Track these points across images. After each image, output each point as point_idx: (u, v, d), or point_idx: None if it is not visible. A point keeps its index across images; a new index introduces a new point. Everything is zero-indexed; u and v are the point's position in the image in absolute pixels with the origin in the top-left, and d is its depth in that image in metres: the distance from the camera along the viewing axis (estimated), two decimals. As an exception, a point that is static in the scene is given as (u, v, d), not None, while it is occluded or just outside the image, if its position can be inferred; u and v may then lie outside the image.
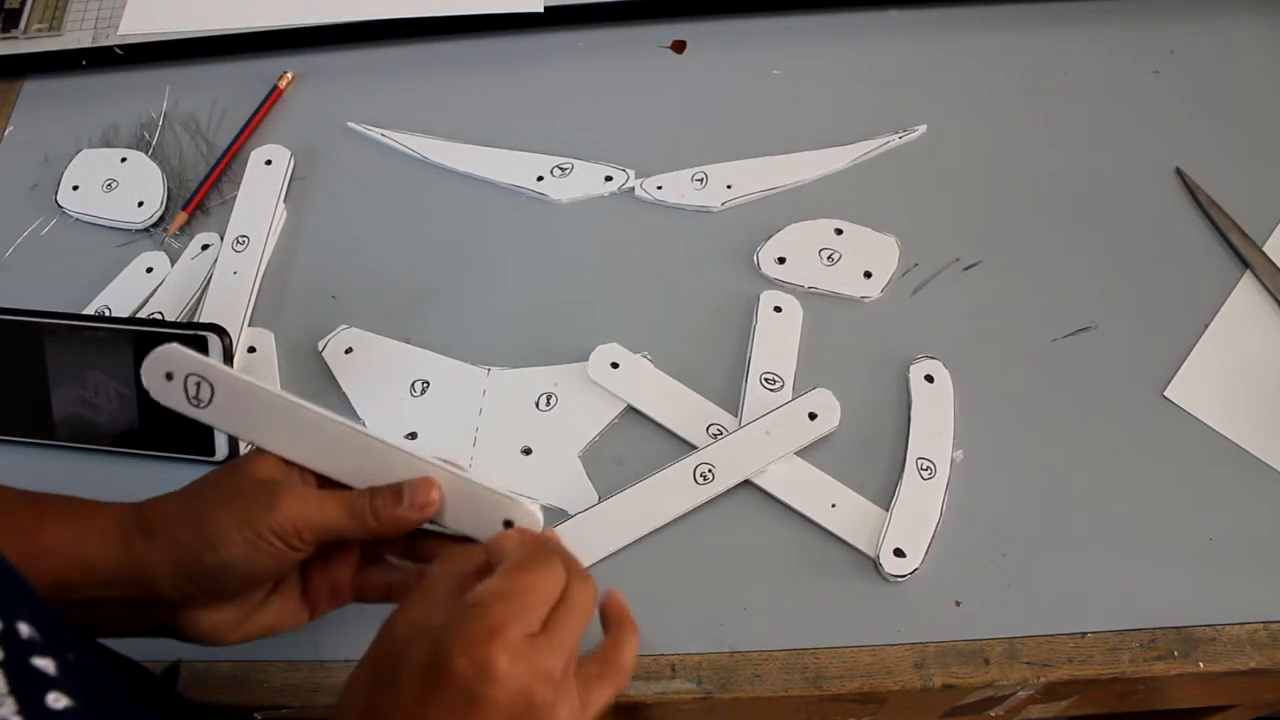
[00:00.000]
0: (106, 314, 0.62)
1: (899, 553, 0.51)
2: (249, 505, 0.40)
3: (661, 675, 0.50)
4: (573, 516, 0.53)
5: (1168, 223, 0.63)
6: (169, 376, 0.44)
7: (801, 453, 0.55)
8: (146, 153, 0.69)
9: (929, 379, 0.57)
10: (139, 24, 0.74)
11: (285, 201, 0.67)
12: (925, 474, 0.54)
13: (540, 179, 0.67)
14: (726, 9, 0.74)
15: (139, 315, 0.62)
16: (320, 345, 0.61)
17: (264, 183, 0.67)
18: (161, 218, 0.67)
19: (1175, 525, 0.53)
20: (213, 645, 0.43)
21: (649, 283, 0.62)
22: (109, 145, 0.70)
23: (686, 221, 0.65)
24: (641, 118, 0.70)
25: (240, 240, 0.64)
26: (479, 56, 0.74)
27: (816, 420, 0.55)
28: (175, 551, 0.40)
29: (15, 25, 0.74)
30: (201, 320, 0.61)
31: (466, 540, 0.43)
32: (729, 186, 0.66)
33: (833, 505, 0.53)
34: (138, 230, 0.66)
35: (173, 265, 0.64)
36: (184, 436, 0.56)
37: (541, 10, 0.73)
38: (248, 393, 0.44)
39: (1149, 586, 0.51)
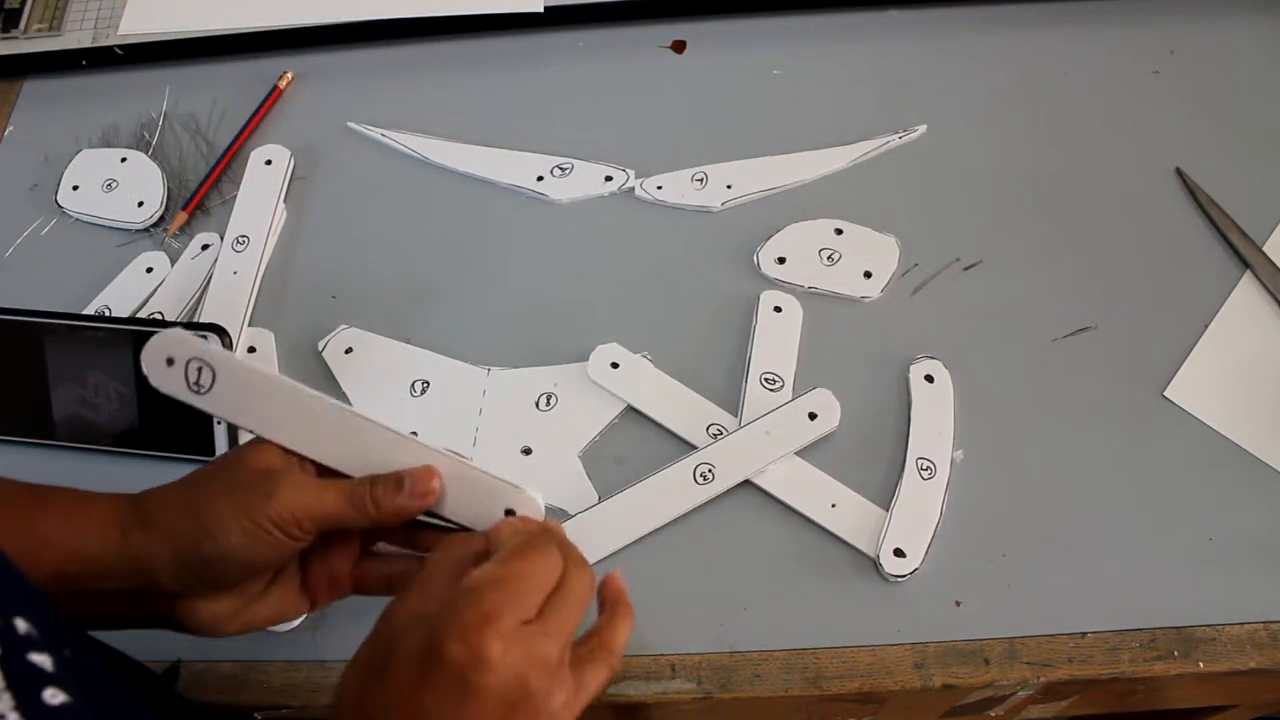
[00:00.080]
0: (106, 314, 0.62)
1: (899, 553, 0.51)
2: (248, 495, 0.40)
3: (661, 675, 0.50)
4: (573, 516, 0.53)
5: (1168, 223, 0.63)
6: (170, 362, 0.43)
7: (801, 453, 0.55)
8: (146, 153, 0.69)
9: (929, 379, 0.57)
10: (139, 24, 0.74)
11: (285, 201, 0.67)
12: (925, 474, 0.54)
13: (540, 179, 0.67)
14: (726, 9, 0.74)
15: (139, 315, 0.62)
16: (320, 345, 0.61)
17: (264, 183, 0.67)
18: (161, 218, 0.67)
19: (1175, 525, 0.53)
20: (211, 635, 0.43)
21: (649, 283, 0.62)
22: (109, 145, 0.70)
23: (686, 221, 0.65)
24: (641, 118, 0.70)
25: (240, 240, 0.64)
26: (479, 56, 0.74)
27: (816, 420, 0.55)
28: (174, 542, 0.40)
29: (15, 25, 0.74)
30: (201, 320, 0.61)
31: (466, 530, 0.43)
32: (729, 186, 0.66)
33: (833, 505, 0.53)
34: (138, 230, 0.66)
35: (173, 265, 0.64)
36: (184, 436, 0.56)
37: (541, 10, 0.73)
38: (250, 378, 0.43)
39: (1149, 586, 0.51)
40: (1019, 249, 0.63)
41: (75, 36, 0.73)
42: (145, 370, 0.44)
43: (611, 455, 0.56)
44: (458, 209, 0.66)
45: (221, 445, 0.56)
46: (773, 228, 0.64)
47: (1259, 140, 0.66)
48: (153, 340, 0.43)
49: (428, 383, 0.59)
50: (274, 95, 0.72)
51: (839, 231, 0.63)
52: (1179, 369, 0.57)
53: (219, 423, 0.56)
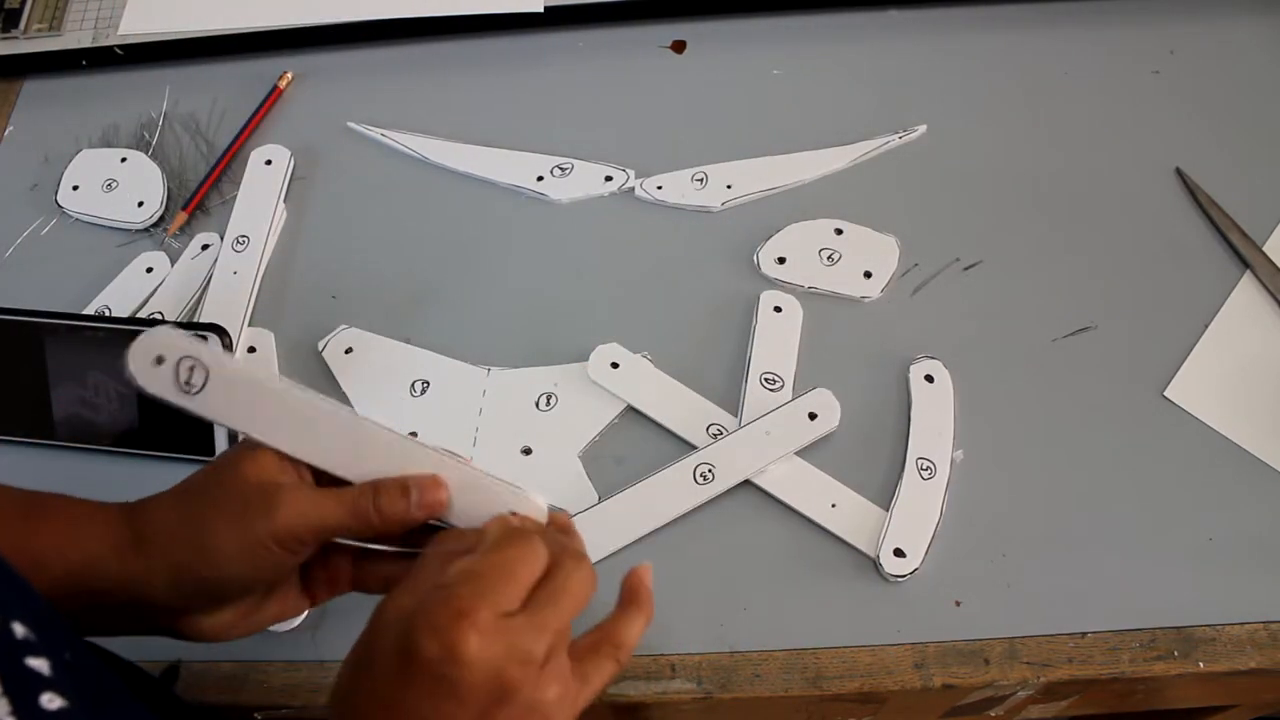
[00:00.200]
0: (106, 314, 0.62)
1: (899, 553, 0.51)
2: (246, 513, 0.39)
3: (661, 675, 0.50)
4: (573, 517, 0.53)
5: (1168, 223, 0.63)
6: (158, 361, 0.41)
7: (801, 453, 0.55)
8: (146, 153, 0.69)
9: (929, 379, 0.57)
10: (139, 24, 0.74)
11: (285, 201, 0.67)
12: (925, 474, 0.54)
13: (540, 179, 0.67)
14: (726, 9, 0.74)
15: (139, 315, 0.62)
16: (320, 345, 0.61)
17: (264, 183, 0.67)
18: (161, 218, 0.67)
19: (1175, 525, 0.53)
20: (213, 642, 0.42)
21: (649, 283, 0.62)
22: (109, 145, 0.70)
23: (686, 221, 0.65)
24: (641, 118, 0.70)
25: (240, 240, 0.64)
26: (479, 56, 0.74)
27: (816, 420, 0.55)
28: (172, 568, 0.39)
29: (15, 25, 0.74)
30: (201, 320, 0.61)
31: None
32: (729, 186, 0.66)
33: (833, 505, 0.53)
34: (138, 230, 0.66)
35: (173, 265, 0.64)
36: (184, 436, 0.56)
37: (541, 10, 0.73)
38: (243, 380, 0.41)
39: (1149, 586, 0.51)
40: (1019, 249, 0.63)
41: (75, 36, 0.73)
42: (131, 369, 0.41)
43: (611, 455, 0.56)
44: (458, 209, 0.66)
45: (222, 446, 0.56)
46: (773, 228, 0.64)
47: (1259, 140, 0.66)
48: (140, 338, 0.41)
49: (428, 383, 0.59)
50: (274, 95, 0.72)
51: (839, 231, 0.63)
52: (1179, 369, 0.57)
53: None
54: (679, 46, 0.74)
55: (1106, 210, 0.64)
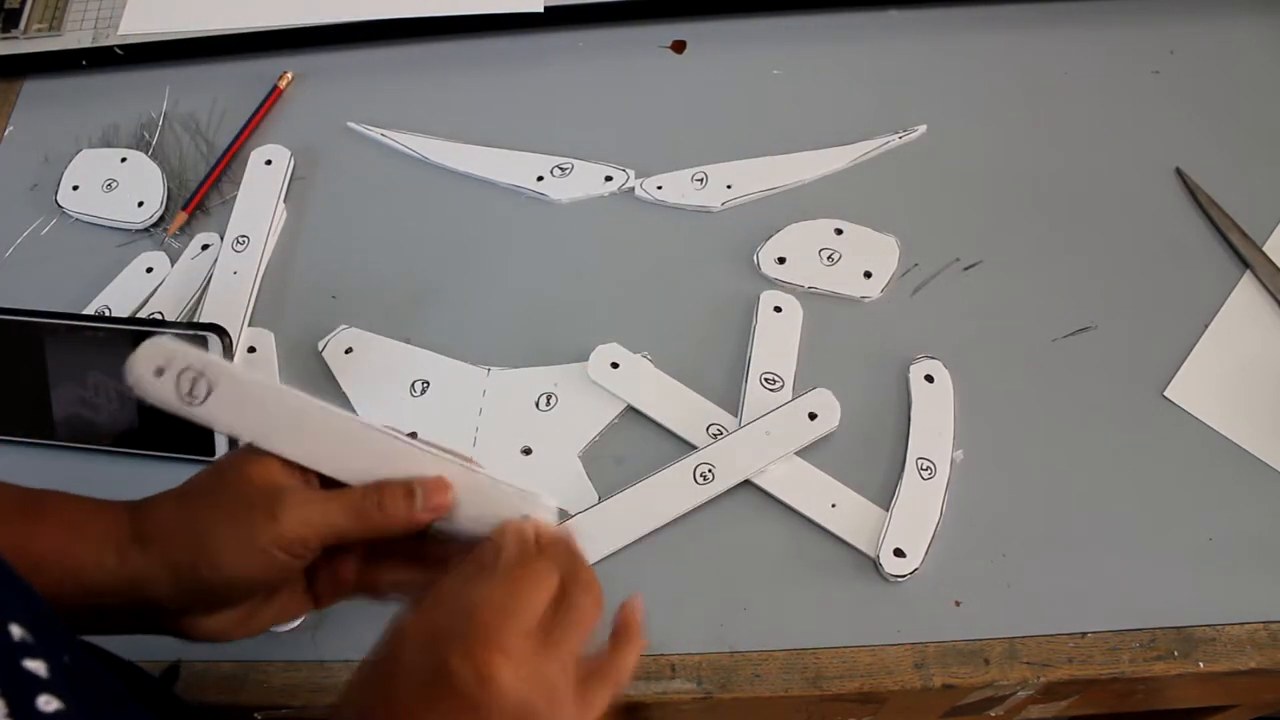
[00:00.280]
0: (106, 314, 0.62)
1: (899, 553, 0.51)
2: (250, 517, 0.39)
3: (661, 675, 0.50)
4: (573, 516, 0.53)
5: (1168, 223, 0.63)
6: (159, 372, 0.40)
7: (801, 453, 0.55)
8: (146, 153, 0.69)
9: (929, 379, 0.57)
10: (139, 24, 0.74)
11: (285, 201, 0.67)
12: (925, 474, 0.54)
13: (540, 179, 0.67)
14: (726, 9, 0.74)
15: (139, 315, 0.62)
16: (320, 345, 0.61)
17: (264, 183, 0.67)
18: (161, 218, 0.67)
19: (1175, 525, 0.53)
20: (215, 642, 0.42)
21: (649, 283, 0.62)
22: (109, 145, 0.70)
23: (686, 221, 0.65)
24: (641, 118, 0.70)
25: (240, 240, 0.64)
26: (479, 56, 0.74)
27: (816, 420, 0.55)
28: (174, 568, 0.39)
29: (15, 25, 0.74)
30: (201, 320, 0.61)
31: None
32: (729, 186, 0.66)
33: (833, 505, 0.53)
34: (138, 230, 0.66)
35: (173, 265, 0.64)
36: (184, 437, 0.56)
37: (541, 10, 0.73)
38: (246, 388, 0.41)
39: (1149, 586, 0.51)
40: (1019, 249, 0.63)
41: (75, 36, 0.73)
42: (131, 379, 0.40)
43: (611, 455, 0.56)
44: (458, 209, 0.66)
45: (222, 447, 0.56)
46: (773, 228, 0.64)
47: (1259, 140, 0.66)
48: (141, 349, 0.40)
49: (428, 383, 0.59)
50: (274, 95, 0.72)
51: (839, 231, 0.63)
52: (1179, 369, 0.57)
53: (219, 423, 0.55)
54: (679, 46, 0.74)
55: (1106, 210, 0.64)
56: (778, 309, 0.60)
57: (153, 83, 0.74)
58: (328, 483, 0.42)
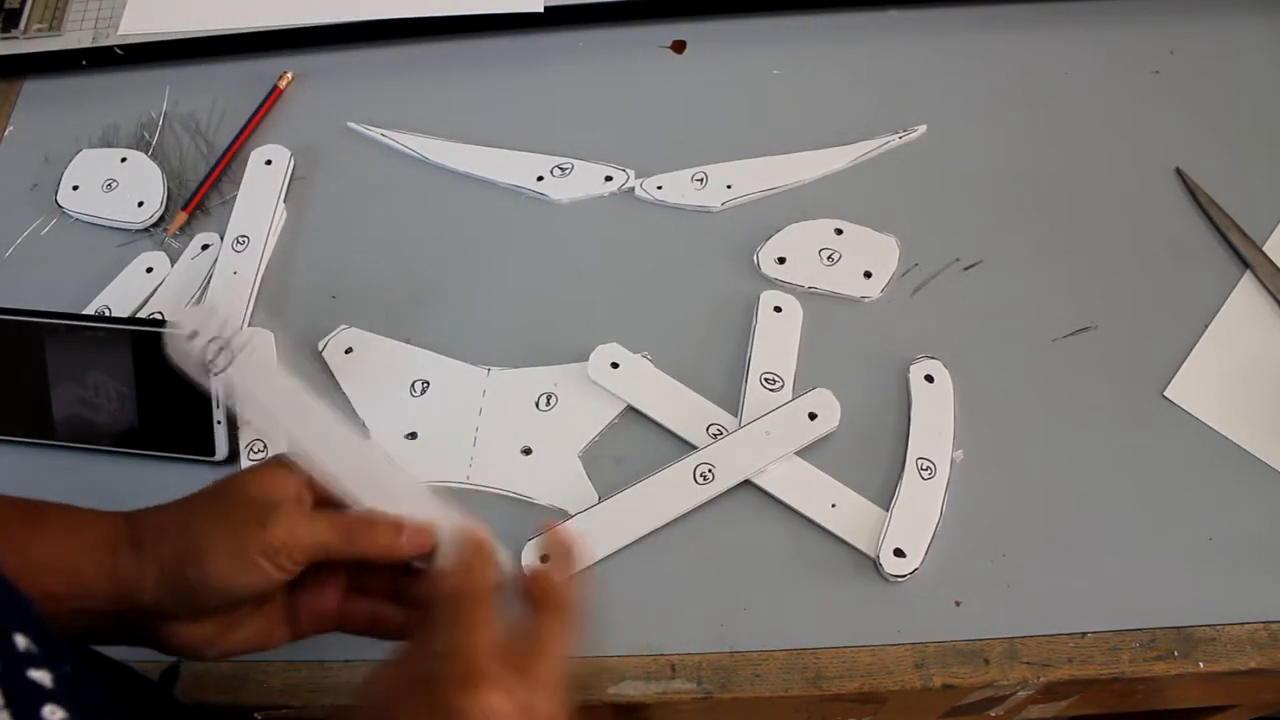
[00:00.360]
0: (106, 314, 0.62)
1: (899, 553, 0.51)
2: (240, 523, 0.40)
3: (661, 675, 0.50)
4: (573, 516, 0.53)
5: (1168, 223, 0.63)
6: (193, 335, 0.44)
7: (801, 453, 0.55)
8: (146, 153, 0.69)
9: (929, 379, 0.57)
10: (139, 24, 0.74)
11: (285, 201, 0.67)
12: (925, 474, 0.54)
13: (540, 179, 0.67)
14: (726, 9, 0.74)
15: (139, 315, 0.62)
16: (320, 345, 0.61)
17: (264, 183, 0.67)
18: (161, 218, 0.67)
19: (1175, 525, 0.53)
20: (192, 659, 0.42)
21: (649, 283, 0.62)
22: (109, 145, 0.70)
23: (686, 221, 0.65)
24: (641, 118, 0.70)
25: (240, 240, 0.64)
26: (479, 56, 0.74)
27: (816, 420, 0.55)
28: (162, 569, 0.40)
29: (15, 25, 0.74)
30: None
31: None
32: (729, 186, 0.66)
33: (833, 505, 0.53)
34: (138, 230, 0.66)
35: (173, 265, 0.64)
36: (184, 436, 0.56)
37: (541, 10, 0.73)
38: (260, 371, 0.44)
39: (1149, 586, 0.51)
40: (1019, 249, 0.63)
41: (75, 36, 0.73)
42: (167, 337, 0.44)
43: (611, 455, 0.56)
44: (458, 209, 0.66)
45: (221, 445, 0.56)
46: (773, 228, 0.64)
47: (1259, 140, 0.66)
48: (186, 310, 0.46)
49: (428, 383, 0.59)
50: (274, 95, 0.72)
51: (839, 231, 0.63)
52: (1179, 369, 0.57)
53: (219, 422, 0.56)
54: (679, 46, 0.74)
55: (1106, 210, 0.64)
56: (778, 309, 0.60)
57: (153, 83, 0.74)
58: (320, 505, 0.43)
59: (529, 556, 0.52)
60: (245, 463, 0.56)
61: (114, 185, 0.68)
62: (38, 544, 0.40)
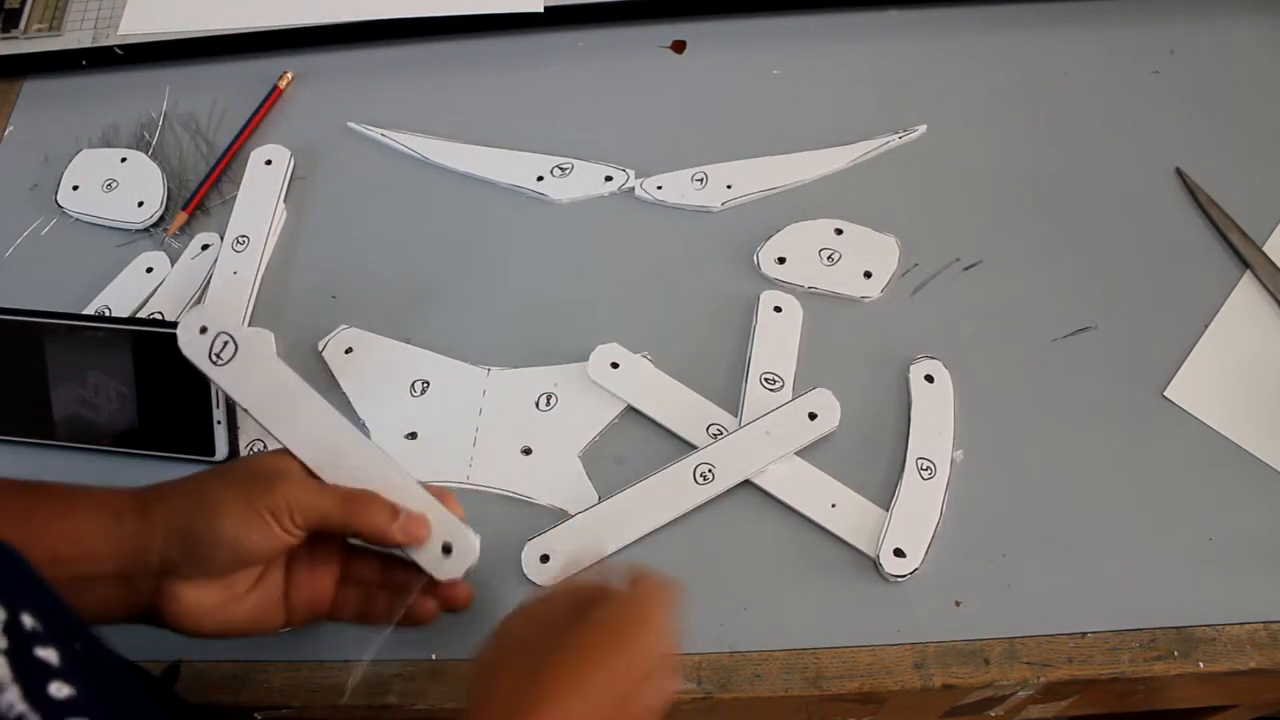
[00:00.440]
0: (106, 314, 0.62)
1: (899, 553, 0.51)
2: (248, 484, 0.42)
3: (660, 686, 0.49)
4: (573, 516, 0.53)
5: (1168, 223, 0.63)
6: (202, 330, 0.46)
7: (801, 453, 0.55)
8: (146, 153, 0.69)
9: (929, 379, 0.57)
10: (139, 24, 0.74)
11: (285, 201, 0.67)
12: (925, 474, 0.54)
13: (540, 179, 0.67)
14: (726, 9, 0.74)
15: (139, 315, 0.62)
16: (320, 345, 0.61)
17: (264, 183, 0.67)
18: (161, 218, 0.67)
19: (1175, 525, 0.53)
20: (191, 631, 0.43)
21: (649, 283, 0.62)
22: (109, 145, 0.70)
23: (686, 221, 0.65)
24: (641, 118, 0.70)
25: (240, 240, 0.64)
26: (479, 56, 0.74)
27: (816, 420, 0.55)
28: (170, 520, 0.41)
29: (15, 25, 0.74)
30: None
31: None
32: (729, 186, 0.66)
33: (833, 505, 0.53)
34: (138, 230, 0.66)
35: (173, 265, 0.64)
36: (184, 436, 0.56)
37: (541, 10, 0.73)
38: (263, 365, 0.46)
39: (1149, 586, 0.51)
40: (1019, 249, 0.63)
41: (75, 36, 0.73)
42: (180, 331, 0.47)
43: (611, 455, 0.56)
44: (458, 209, 0.66)
45: (221, 445, 0.56)
46: (773, 228, 0.64)
47: (1259, 140, 0.66)
48: (195, 307, 0.49)
49: (428, 383, 0.59)
50: (274, 95, 0.72)
51: (839, 231, 0.63)
52: (1179, 369, 0.57)
53: (219, 422, 0.56)
54: (679, 46, 0.74)
55: (1106, 210, 0.64)
56: (778, 309, 0.60)
57: (153, 83, 0.74)
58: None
59: (530, 555, 0.52)
60: (245, 463, 0.57)
61: (114, 185, 0.68)
62: (41, 511, 0.41)
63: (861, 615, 0.51)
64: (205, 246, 0.65)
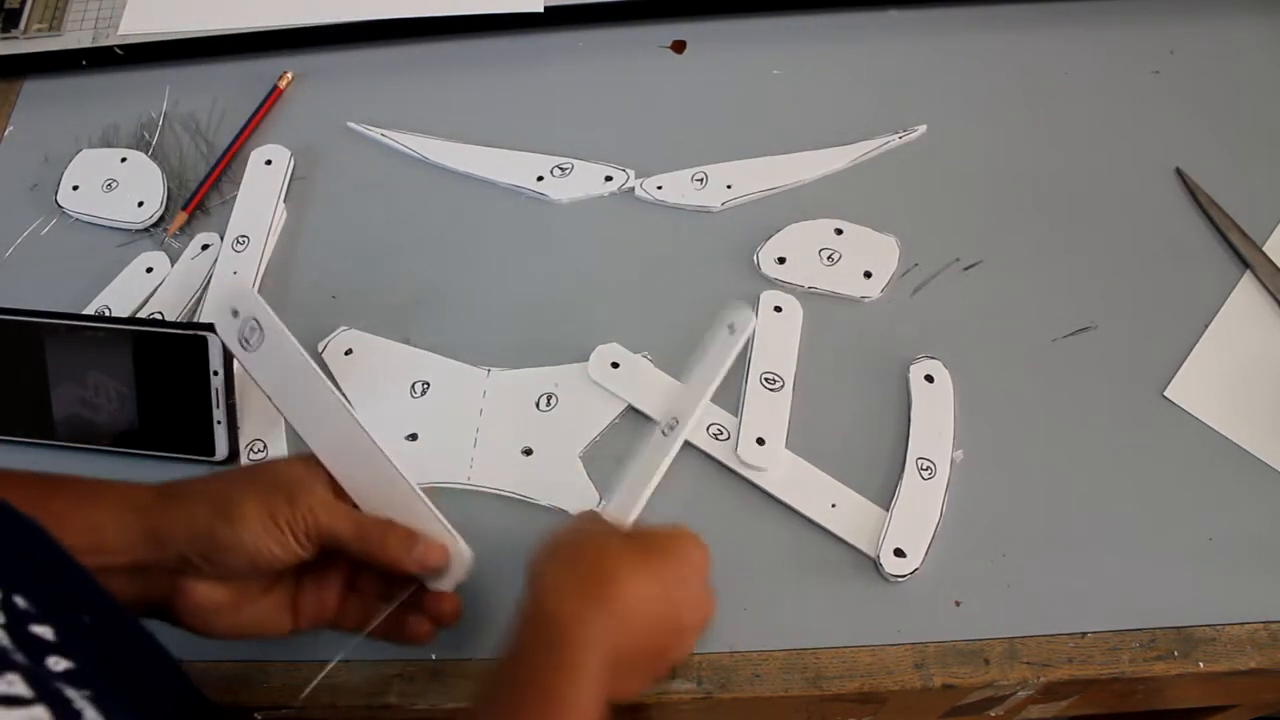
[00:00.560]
0: (106, 314, 0.62)
1: (899, 553, 0.51)
2: (272, 494, 0.43)
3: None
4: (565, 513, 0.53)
5: (1168, 223, 0.63)
6: (234, 314, 0.47)
7: (801, 453, 0.55)
8: (146, 153, 0.69)
9: (929, 379, 0.57)
10: (139, 24, 0.74)
11: (285, 201, 0.67)
12: (925, 474, 0.54)
13: (540, 179, 0.67)
14: (726, 9, 0.74)
15: (139, 315, 0.62)
16: (320, 346, 0.60)
17: (264, 183, 0.67)
18: (161, 218, 0.67)
19: (1175, 525, 0.53)
20: (202, 630, 0.44)
21: (649, 283, 0.62)
22: (109, 145, 0.70)
23: (686, 221, 0.65)
24: (641, 118, 0.70)
25: (240, 240, 0.64)
26: (479, 56, 0.74)
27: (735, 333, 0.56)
28: (191, 521, 0.42)
29: (15, 25, 0.74)
30: (201, 320, 0.61)
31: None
32: (729, 186, 0.66)
33: (833, 505, 0.53)
34: (138, 230, 0.66)
35: (173, 265, 0.64)
36: (184, 436, 0.56)
37: (541, 10, 0.73)
38: (289, 357, 0.46)
39: (1149, 586, 0.51)
40: (1019, 249, 0.63)
41: (75, 36, 0.73)
42: (212, 311, 0.49)
43: (612, 455, 0.56)
44: (458, 209, 0.66)
45: (221, 445, 0.56)
46: (773, 228, 0.64)
47: (1259, 140, 0.66)
48: (228, 288, 0.52)
49: (428, 383, 0.59)
50: (274, 95, 0.72)
51: (839, 231, 0.63)
52: (1179, 369, 0.57)
53: (219, 422, 0.56)
54: (679, 46, 0.74)
55: (1106, 210, 0.64)
56: (778, 309, 0.60)
57: (153, 83, 0.74)
58: (339, 492, 0.46)
59: None
60: (245, 462, 0.56)
61: (114, 185, 0.68)
62: (55, 502, 0.41)
63: (861, 615, 0.51)
64: (205, 246, 0.65)
